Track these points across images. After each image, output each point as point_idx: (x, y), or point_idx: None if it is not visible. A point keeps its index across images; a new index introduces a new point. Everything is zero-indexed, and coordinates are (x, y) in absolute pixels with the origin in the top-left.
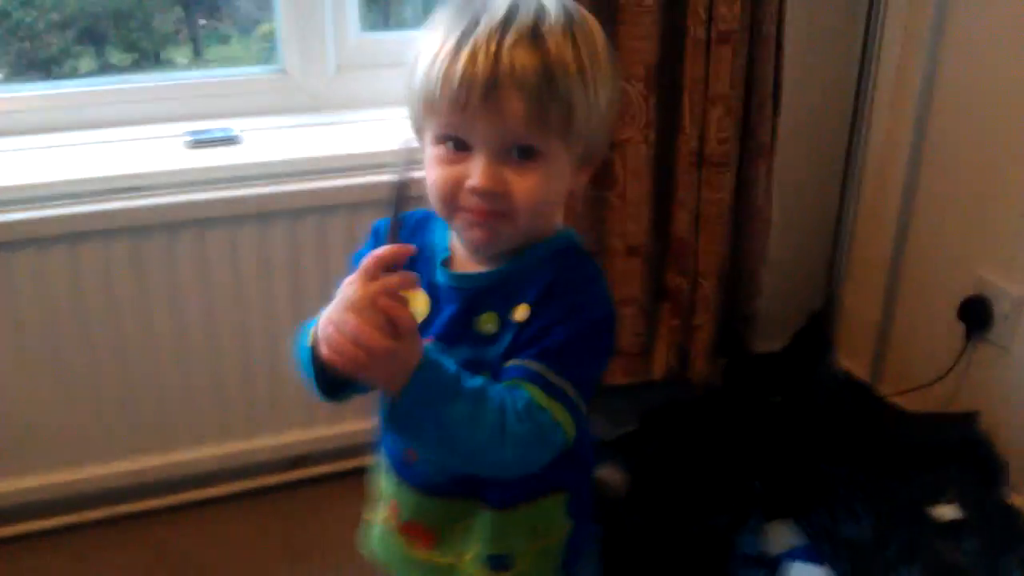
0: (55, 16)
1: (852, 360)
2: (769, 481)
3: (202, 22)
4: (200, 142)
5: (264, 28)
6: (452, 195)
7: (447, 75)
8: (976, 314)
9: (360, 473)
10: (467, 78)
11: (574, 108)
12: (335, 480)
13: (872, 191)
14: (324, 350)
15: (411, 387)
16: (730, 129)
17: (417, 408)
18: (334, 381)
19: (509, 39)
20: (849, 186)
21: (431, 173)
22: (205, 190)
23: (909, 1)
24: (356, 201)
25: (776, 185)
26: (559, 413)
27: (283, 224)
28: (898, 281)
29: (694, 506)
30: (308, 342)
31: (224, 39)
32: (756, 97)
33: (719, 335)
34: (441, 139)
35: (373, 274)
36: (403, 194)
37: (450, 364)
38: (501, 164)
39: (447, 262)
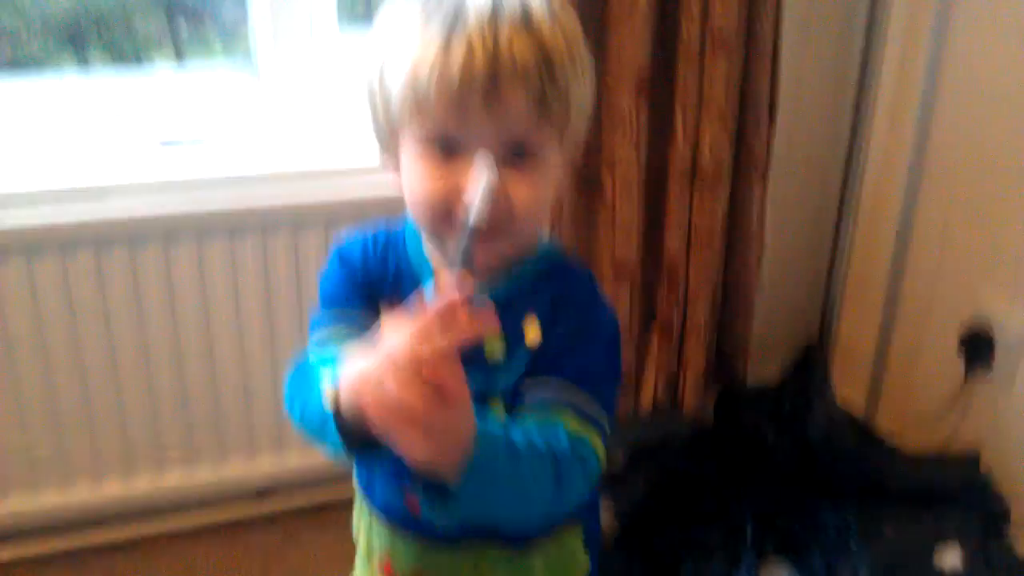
0: (37, 21)
1: (848, 391)
2: (762, 521)
3: (184, 27)
4: (170, 145)
5: (246, 32)
6: (445, 208)
7: (443, 72)
8: (977, 347)
9: (333, 508)
10: (467, 74)
11: (571, 100)
12: (306, 514)
13: (869, 216)
14: (366, 411)
15: (475, 467)
16: (725, 144)
17: (485, 488)
18: (364, 440)
19: (504, 28)
20: (846, 211)
21: (417, 183)
22: (174, 192)
23: (908, 21)
24: (331, 211)
25: (770, 207)
26: (594, 439)
27: (254, 234)
28: (896, 311)
29: (685, 547)
30: (328, 400)
31: (206, 44)
32: (751, 111)
33: (710, 364)
34: (429, 142)
35: (427, 334)
36: (475, 238)
37: (494, 424)
38: (500, 167)
39: (438, 287)
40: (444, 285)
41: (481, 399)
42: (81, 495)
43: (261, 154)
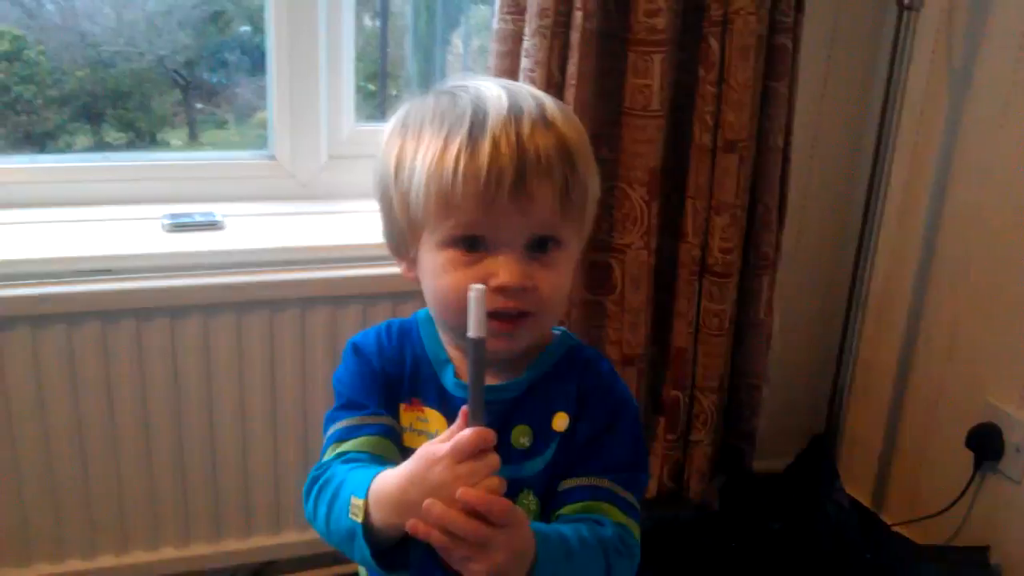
0: (54, 92)
1: (854, 486)
2: None
3: (199, 106)
4: (180, 226)
5: (261, 116)
6: None
7: (470, 167)
8: (985, 443)
9: None
10: (494, 169)
11: (588, 190)
12: None
13: (878, 309)
14: (418, 534)
15: (539, 573)
16: (734, 239)
17: None
18: (392, 552)
19: (526, 125)
20: (854, 303)
21: (444, 280)
22: (181, 276)
23: (919, 122)
24: (341, 294)
25: (778, 300)
26: (634, 528)
27: (261, 316)
28: (904, 404)
29: None
30: (356, 512)
31: (221, 124)
32: (760, 208)
33: (717, 453)
34: (453, 242)
35: (461, 457)
36: (482, 354)
37: (549, 529)
38: (524, 260)
39: (457, 374)
40: (462, 370)
41: (511, 488)
42: (74, 567)
43: (272, 234)
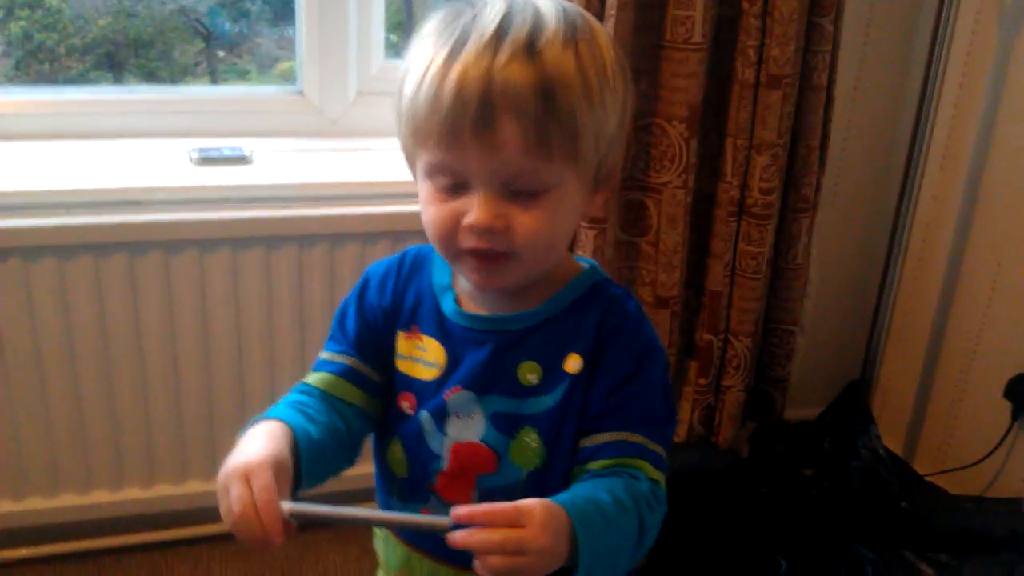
0: (76, 41)
1: (887, 435)
2: (796, 559)
3: (221, 55)
4: (208, 159)
5: (284, 66)
6: (450, 235)
7: (435, 100)
8: None
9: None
10: (458, 103)
11: (579, 130)
12: (326, 527)
13: (918, 255)
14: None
15: (583, 550)
16: (775, 180)
17: (596, 560)
18: None
19: (502, 55)
20: (894, 250)
21: (426, 211)
22: (209, 209)
23: (966, 64)
24: (368, 230)
25: (817, 244)
26: (663, 481)
27: (290, 250)
28: (941, 352)
29: None
30: None
31: (243, 74)
32: (802, 149)
33: (748, 398)
34: (431, 174)
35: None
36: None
37: (584, 501)
38: (503, 198)
39: (458, 302)
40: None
41: (511, 422)
42: (101, 498)
43: (301, 170)
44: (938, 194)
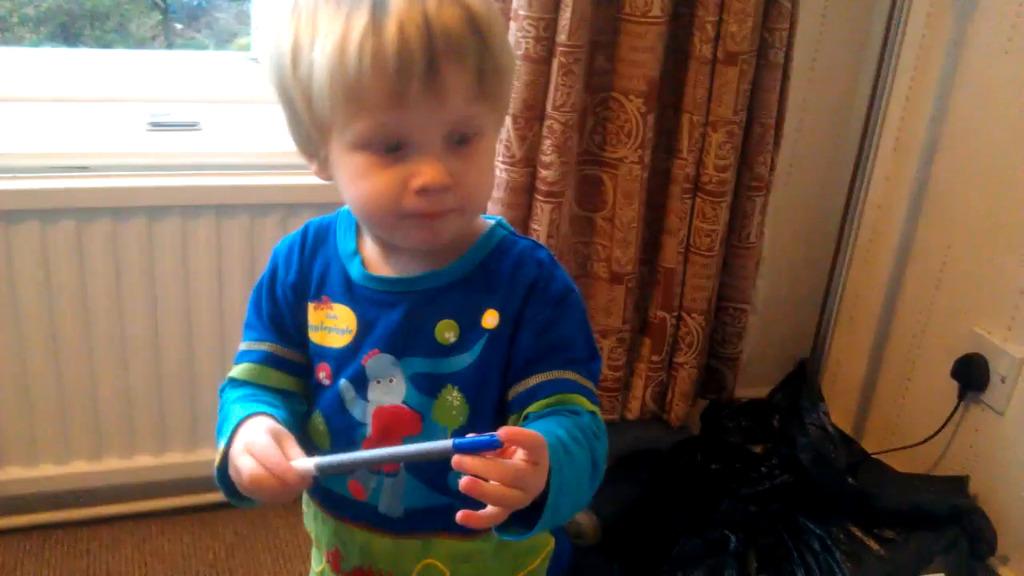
0: (30, 10)
1: (836, 414)
2: (745, 534)
3: (179, 27)
4: (159, 125)
5: (242, 41)
6: (394, 202)
7: (377, 55)
8: (971, 373)
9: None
10: (404, 58)
11: (503, 66)
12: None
13: (869, 236)
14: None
15: (552, 483)
16: (730, 157)
17: (560, 496)
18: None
19: (431, 3)
20: (846, 230)
21: (359, 184)
22: (159, 175)
23: (920, 47)
24: (321, 201)
25: (770, 223)
26: (599, 412)
27: (241, 219)
28: (890, 332)
29: (667, 558)
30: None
31: (200, 48)
32: (757, 127)
33: (700, 376)
34: (366, 144)
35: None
36: None
37: (548, 435)
38: (445, 154)
39: (365, 266)
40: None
41: (432, 382)
42: (47, 471)
43: (254, 138)
44: (890, 175)
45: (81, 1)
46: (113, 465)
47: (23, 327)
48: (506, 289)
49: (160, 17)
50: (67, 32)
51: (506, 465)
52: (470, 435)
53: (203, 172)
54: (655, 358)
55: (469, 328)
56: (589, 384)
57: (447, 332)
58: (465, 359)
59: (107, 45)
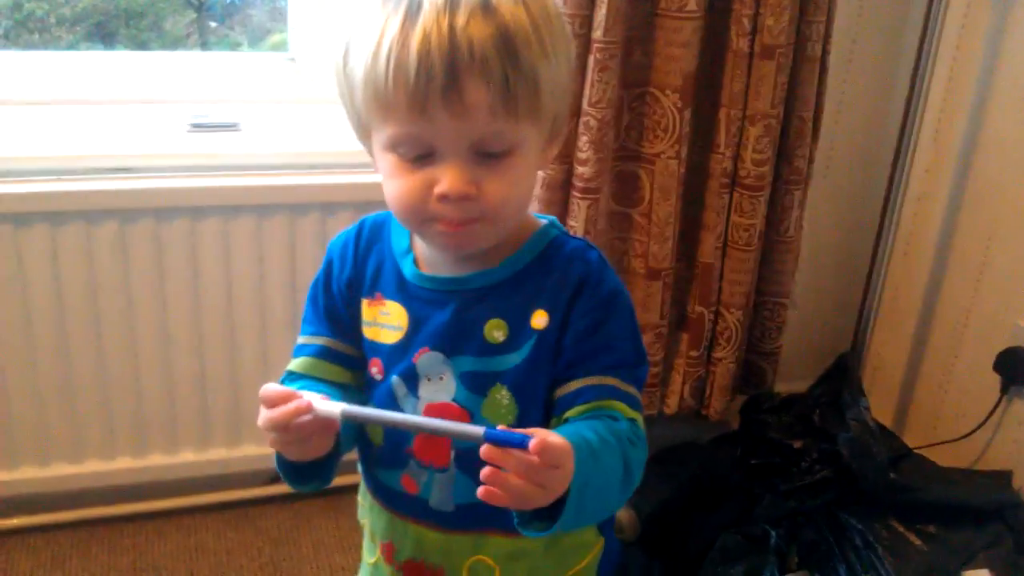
0: (67, 10)
1: (877, 408)
2: (786, 530)
3: (213, 25)
4: (200, 126)
5: (275, 38)
6: (419, 206)
7: (399, 68)
8: (1014, 366)
9: (345, 492)
10: (424, 71)
11: (540, 84)
12: (317, 497)
13: (909, 228)
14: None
15: (574, 483)
16: (768, 151)
17: (583, 497)
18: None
19: (461, 16)
20: (886, 222)
21: (389, 185)
22: (200, 176)
23: (959, 39)
24: (360, 199)
25: (809, 216)
26: (641, 421)
27: (281, 218)
28: (932, 327)
29: (707, 554)
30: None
31: (235, 46)
32: (795, 120)
33: (739, 370)
34: (393, 146)
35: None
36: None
37: (573, 435)
38: (471, 164)
39: (417, 265)
40: (426, 261)
41: (481, 381)
42: (93, 467)
43: (293, 138)
44: (930, 167)
45: (116, 0)
46: (157, 461)
47: (69, 326)
48: (555, 289)
49: (194, 15)
50: (103, 31)
51: (528, 461)
52: (501, 427)
53: (243, 172)
54: (693, 353)
55: (518, 328)
56: (631, 390)
57: (496, 331)
58: (514, 359)
59: (142, 43)
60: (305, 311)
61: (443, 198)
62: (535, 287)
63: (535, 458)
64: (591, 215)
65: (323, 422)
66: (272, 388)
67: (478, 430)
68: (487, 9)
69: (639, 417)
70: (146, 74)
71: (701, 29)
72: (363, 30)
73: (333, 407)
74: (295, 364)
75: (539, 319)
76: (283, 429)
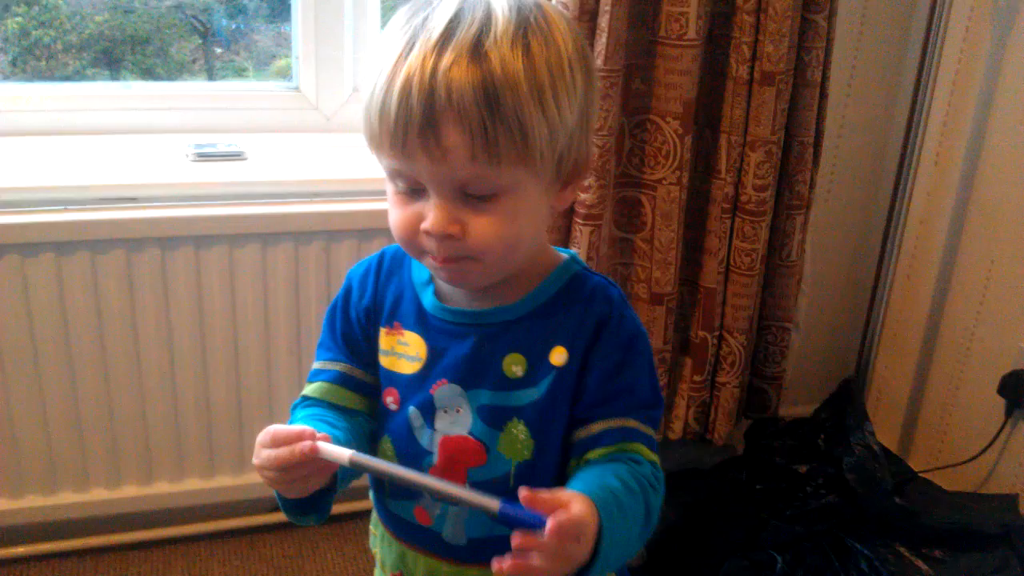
0: (73, 37)
1: (881, 432)
2: (791, 556)
3: (218, 51)
4: (205, 155)
5: (280, 63)
6: (412, 237)
7: (383, 106)
8: (1018, 389)
9: (349, 519)
10: (403, 112)
11: (528, 131)
12: (323, 525)
13: (912, 252)
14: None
15: (600, 555)
16: (769, 176)
17: (611, 549)
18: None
19: (446, 59)
20: (888, 246)
21: (391, 212)
22: (205, 206)
23: (959, 65)
24: (364, 227)
25: (811, 241)
26: (659, 463)
27: (286, 247)
28: (934, 350)
29: None
30: None
31: (240, 71)
32: (796, 145)
33: (743, 395)
34: (392, 177)
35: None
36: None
37: (600, 489)
38: (458, 203)
39: (438, 296)
40: (446, 293)
41: (498, 415)
42: (99, 496)
43: (297, 166)
44: (932, 191)
45: (122, 27)
46: (162, 488)
47: (75, 355)
48: (575, 326)
49: (200, 41)
50: (109, 58)
51: (550, 546)
52: (518, 504)
53: (248, 201)
54: (697, 378)
55: (537, 363)
56: (650, 431)
57: (515, 366)
58: (532, 394)
59: (148, 69)
60: (322, 336)
61: (427, 234)
62: (555, 323)
63: (555, 542)
64: (594, 241)
65: (322, 463)
66: (277, 428)
67: (493, 504)
68: (476, 53)
69: (657, 459)
70: (151, 103)
71: (700, 56)
72: (375, 66)
73: (341, 453)
74: (311, 389)
75: (558, 356)
76: (284, 470)
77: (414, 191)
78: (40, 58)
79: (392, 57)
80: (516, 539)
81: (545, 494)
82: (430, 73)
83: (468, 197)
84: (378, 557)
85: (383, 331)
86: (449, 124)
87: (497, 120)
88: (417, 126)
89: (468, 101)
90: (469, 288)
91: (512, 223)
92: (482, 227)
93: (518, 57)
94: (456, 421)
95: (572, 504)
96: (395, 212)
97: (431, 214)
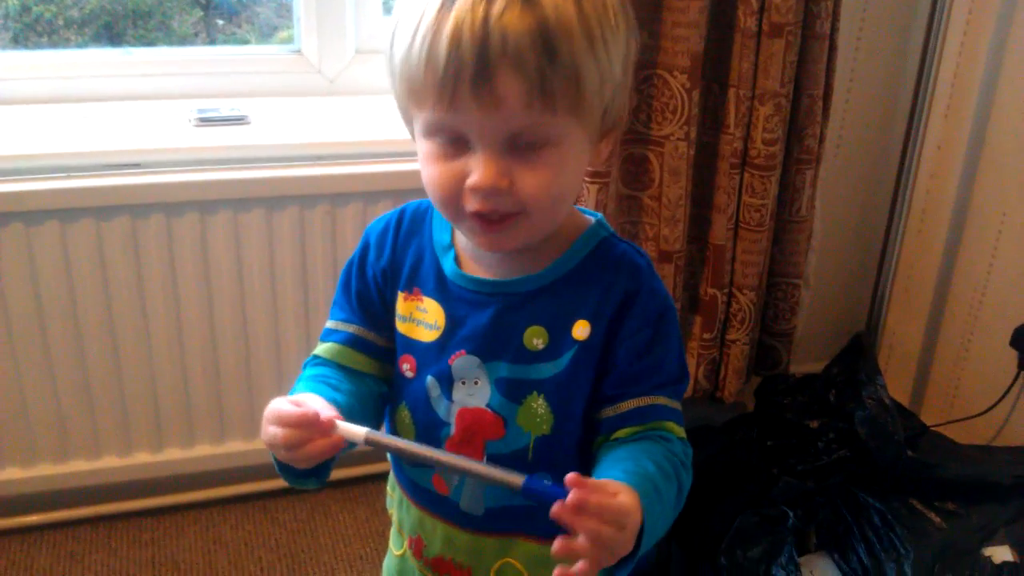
0: (75, 12)
1: (893, 387)
2: (804, 511)
3: (220, 23)
4: (207, 120)
5: (283, 35)
6: (453, 196)
7: (430, 56)
8: None
9: (361, 482)
10: (454, 61)
11: (583, 78)
12: (336, 489)
13: (922, 206)
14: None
15: (644, 529)
16: (778, 130)
17: (651, 535)
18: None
19: (497, 6)
20: (899, 200)
21: (425, 172)
22: (210, 170)
23: (970, 12)
24: (369, 190)
25: (821, 196)
26: (686, 438)
27: (291, 211)
28: (946, 304)
29: (725, 536)
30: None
31: (242, 43)
32: (805, 99)
33: (753, 352)
34: (429, 134)
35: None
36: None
37: (638, 474)
38: (506, 155)
39: (459, 263)
40: (468, 259)
41: (517, 388)
42: (111, 463)
43: (301, 130)
44: (942, 144)
45: (124, 0)
46: (174, 455)
47: (81, 324)
48: (600, 299)
49: (201, 14)
50: (111, 32)
51: (604, 530)
52: (540, 476)
53: (253, 165)
54: (707, 336)
55: (559, 337)
56: (678, 407)
57: (536, 339)
58: (552, 368)
59: (150, 43)
60: (336, 295)
61: (474, 190)
62: (579, 295)
63: (602, 529)
64: (601, 199)
65: (333, 439)
66: (281, 409)
67: (516, 480)
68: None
69: (685, 435)
70: (153, 69)
71: (708, 9)
72: (406, 15)
73: (356, 431)
74: (323, 349)
75: (581, 329)
76: (293, 448)
77: (454, 147)
78: (42, 34)
79: (433, 7)
80: (557, 511)
81: (594, 483)
82: (481, 20)
83: (516, 149)
84: (395, 519)
85: (401, 295)
86: (505, 72)
87: (553, 67)
88: (470, 76)
89: (525, 47)
90: (505, 252)
91: (560, 175)
92: (530, 179)
93: (569, 3)
94: (474, 393)
95: (619, 495)
96: (433, 170)
97: (478, 168)
